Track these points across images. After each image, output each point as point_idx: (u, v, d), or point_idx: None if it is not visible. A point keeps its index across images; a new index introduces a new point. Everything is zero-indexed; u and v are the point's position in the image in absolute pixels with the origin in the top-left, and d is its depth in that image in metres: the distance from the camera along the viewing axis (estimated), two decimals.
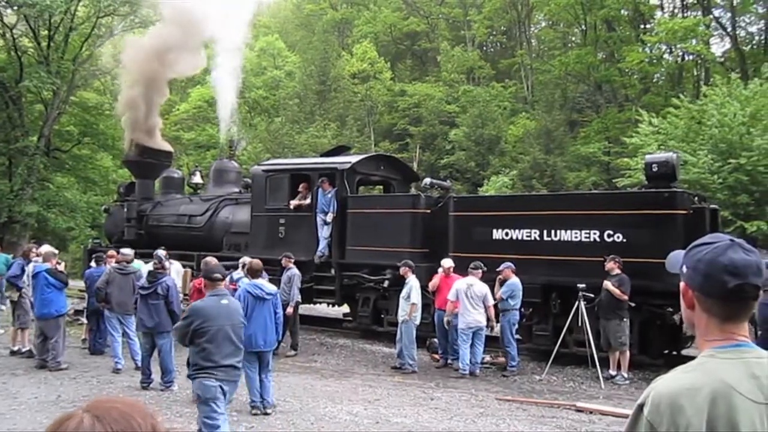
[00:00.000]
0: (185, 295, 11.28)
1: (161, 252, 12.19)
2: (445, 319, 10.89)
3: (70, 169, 33.17)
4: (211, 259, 8.84)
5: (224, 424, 5.92)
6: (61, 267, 10.38)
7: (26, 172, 28.56)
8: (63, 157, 32.42)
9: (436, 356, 11.67)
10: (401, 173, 15.77)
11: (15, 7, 28.19)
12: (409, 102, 39.61)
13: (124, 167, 25.58)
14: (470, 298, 10.40)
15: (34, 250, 11.16)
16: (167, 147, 20.53)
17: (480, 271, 10.66)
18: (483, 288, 10.50)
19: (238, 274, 10.63)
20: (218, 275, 6.12)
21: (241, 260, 11.22)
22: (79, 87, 32.07)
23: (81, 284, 14.96)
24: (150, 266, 9.66)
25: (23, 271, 11.35)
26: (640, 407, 1.56)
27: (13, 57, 29.11)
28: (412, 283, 10.87)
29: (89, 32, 30.85)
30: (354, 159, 14.50)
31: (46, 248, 10.85)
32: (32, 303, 10.76)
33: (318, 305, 15.51)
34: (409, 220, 12.98)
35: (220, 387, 5.81)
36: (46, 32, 29.64)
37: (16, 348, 11.42)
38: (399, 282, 11.68)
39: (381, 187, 17.13)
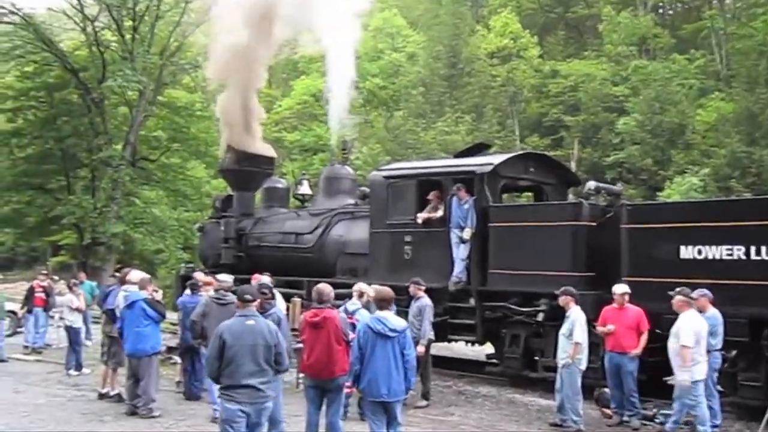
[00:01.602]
0: (294, 330, 11.60)
1: (266, 278, 12.62)
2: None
3: (159, 181, 35.16)
4: (325, 287, 9.04)
5: None
6: (159, 296, 10.97)
7: (111, 186, 30.60)
8: (150, 167, 34.43)
9: (608, 411, 11.30)
10: (556, 176, 15.49)
11: None
12: (563, 85, 38.98)
13: (220, 177, 26.82)
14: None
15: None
16: (269, 152, 21.29)
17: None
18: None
19: (353, 304, 10.81)
20: (249, 296, 7.39)
21: (355, 287, 11.40)
22: (167, 84, 34.16)
23: (172, 316, 15.79)
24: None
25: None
26: None
27: (95, 53, 31.45)
28: (575, 316, 10.59)
29: (178, 20, 32.80)
30: (496, 160, 14.41)
31: (138, 274, 11.47)
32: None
33: (454, 344, 15.47)
34: (569, 235, 12.69)
35: (240, 410, 6.95)
36: (131, 23, 31.81)
37: (104, 390, 12.17)
38: (557, 315, 11.44)
39: (531, 193, 16.89)
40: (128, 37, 31.82)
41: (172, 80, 34.78)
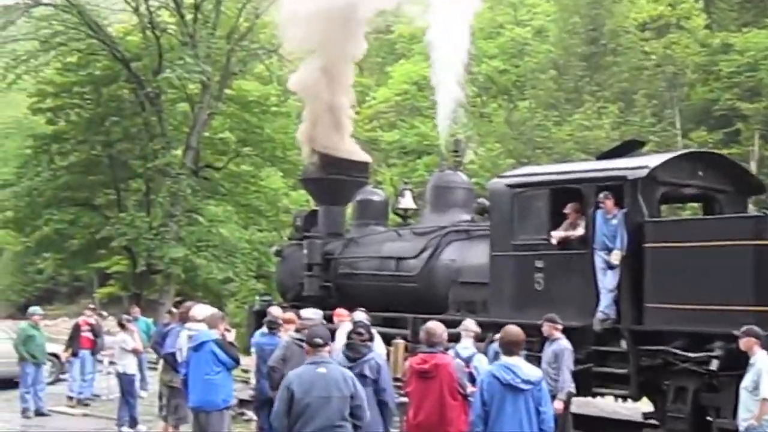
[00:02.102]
0: (397, 380, 11.67)
1: (362, 315, 12.73)
2: None
3: (226, 193, 35.91)
4: (436, 326, 9.05)
5: None
6: (231, 336, 11.19)
7: (169, 200, 31.36)
8: (216, 177, 35.21)
9: None
10: (732, 181, 15.10)
11: None
12: (738, 63, 37.97)
13: (301, 188, 27.17)
14: None
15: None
16: (362, 156, 21.52)
17: None
18: None
19: (466, 348, 10.76)
20: (319, 339, 7.86)
21: (463, 325, 11.37)
22: (235, 74, 34.76)
23: (244, 361, 16.01)
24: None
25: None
26: None
27: (150, 38, 32.41)
28: (762, 364, 10.31)
29: None
30: (653, 161, 14.13)
31: (204, 309, 11.73)
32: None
33: (601, 399, 15.27)
34: (751, 257, 12.33)
35: None
36: (192, 0, 32.66)
37: None
38: (737, 362, 11.14)
39: (699, 204, 16.53)
40: (189, 17, 32.61)
41: (242, 69, 35.34)
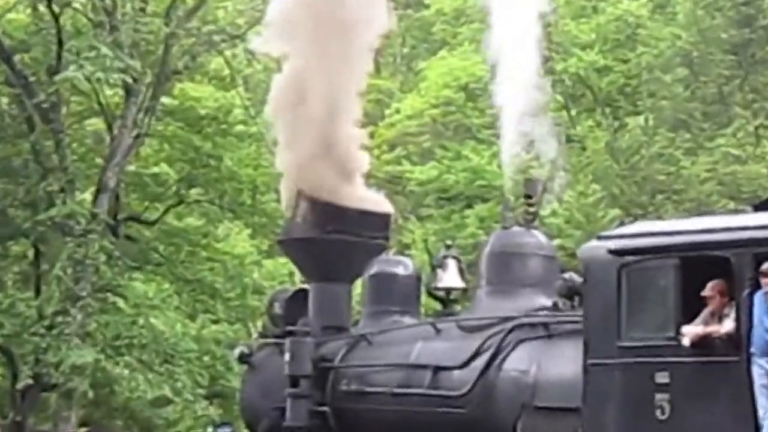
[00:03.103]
0: None
1: None
2: None
3: (162, 262, 36.01)
4: None
5: None
6: None
7: (71, 272, 31.28)
8: (146, 236, 35.37)
9: None
10: None
11: None
12: None
13: (282, 255, 27.20)
14: None
15: None
16: (379, 203, 21.62)
17: None
18: None
19: None
20: None
21: None
22: (179, 74, 34.88)
23: None
24: None
25: None
26: None
27: (44, 17, 32.53)
28: None
29: None
30: None
31: None
32: None
33: None
34: None
35: None
36: None
37: None
38: None
39: None
40: None
41: (189, 65, 35.33)
